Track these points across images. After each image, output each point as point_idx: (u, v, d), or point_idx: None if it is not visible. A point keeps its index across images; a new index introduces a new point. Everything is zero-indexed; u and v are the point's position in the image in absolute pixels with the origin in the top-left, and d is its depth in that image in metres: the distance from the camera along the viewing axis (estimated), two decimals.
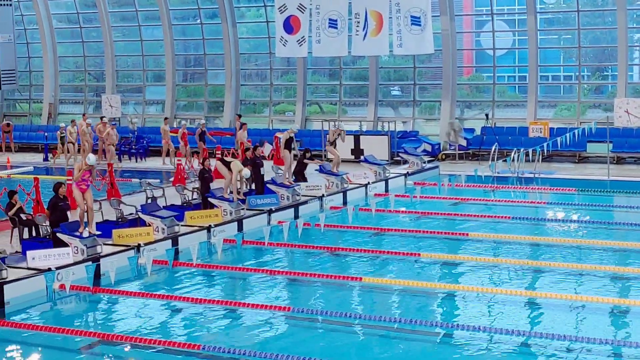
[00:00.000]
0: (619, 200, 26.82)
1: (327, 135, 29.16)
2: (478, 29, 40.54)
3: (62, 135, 34.77)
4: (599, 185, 28.12)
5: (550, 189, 28.07)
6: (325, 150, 30.59)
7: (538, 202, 26.59)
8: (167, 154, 33.65)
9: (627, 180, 28.79)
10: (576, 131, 30.19)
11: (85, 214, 19.59)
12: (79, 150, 34.37)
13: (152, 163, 34.73)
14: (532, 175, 29.54)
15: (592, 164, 32.53)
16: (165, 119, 35.54)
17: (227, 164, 23.60)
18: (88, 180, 19.86)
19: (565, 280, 17.67)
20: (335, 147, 28.59)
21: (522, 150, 29.58)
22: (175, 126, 36.74)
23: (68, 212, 19.58)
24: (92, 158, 19.86)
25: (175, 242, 20.13)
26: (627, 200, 26.52)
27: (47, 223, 19.63)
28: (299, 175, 26.89)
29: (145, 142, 36.93)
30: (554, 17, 38.45)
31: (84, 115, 37.95)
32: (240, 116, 35.61)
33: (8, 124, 40.06)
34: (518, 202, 26.66)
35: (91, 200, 19.69)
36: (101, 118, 36.48)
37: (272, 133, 35.96)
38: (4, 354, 14.53)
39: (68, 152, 34.31)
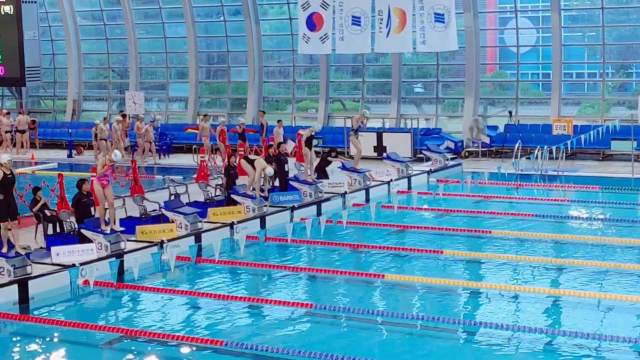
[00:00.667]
0: None
1: (351, 122, 29.02)
2: (502, 26, 40.42)
3: (97, 132, 34.79)
4: (623, 183, 27.98)
5: (573, 186, 27.93)
6: (347, 147, 30.56)
7: (561, 200, 26.47)
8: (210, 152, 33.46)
9: None
10: (600, 129, 30.05)
11: (107, 210, 19.67)
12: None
13: (175, 160, 34.80)
14: (555, 173, 29.40)
15: (616, 162, 32.35)
16: (205, 115, 35.42)
17: (252, 162, 23.65)
18: (109, 176, 19.94)
19: (589, 278, 17.60)
20: (358, 137, 28.34)
21: (545, 147, 29.46)
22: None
23: (92, 208, 19.68)
24: (117, 154, 19.95)
25: (198, 239, 20.18)
26: None
27: (72, 219, 19.75)
28: (321, 172, 26.89)
29: (168, 139, 37.04)
30: (578, 14, 38.25)
31: (121, 112, 37.85)
32: (264, 112, 35.63)
33: (33, 121, 40.26)
34: (541, 199, 26.57)
35: (111, 196, 19.74)
36: (121, 113, 36.56)
37: (295, 130, 35.96)
38: (28, 349, 14.63)
39: (98, 149, 34.30)
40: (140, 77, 43.22)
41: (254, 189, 23.36)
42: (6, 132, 38.37)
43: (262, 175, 23.59)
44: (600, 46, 35.47)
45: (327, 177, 26.82)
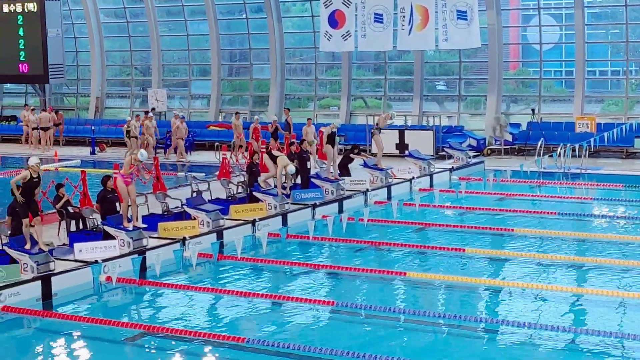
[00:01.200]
0: None
1: (377, 120, 28.98)
2: (525, 24, 40.22)
3: (129, 129, 34.88)
4: None
5: (596, 184, 27.81)
6: (369, 145, 30.55)
7: (584, 198, 26.36)
8: (238, 149, 33.43)
9: None
10: (624, 126, 29.93)
11: (130, 207, 19.77)
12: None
13: (198, 157, 34.86)
14: (578, 171, 29.27)
15: (639, 160, 32.16)
16: (237, 113, 35.30)
17: (274, 158, 23.69)
18: (133, 174, 20.03)
19: (612, 277, 17.53)
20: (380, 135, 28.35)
21: (568, 145, 29.35)
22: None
23: (117, 205, 19.76)
24: (144, 154, 20.05)
25: (220, 236, 20.23)
26: None
27: (94, 216, 19.85)
28: (344, 169, 26.90)
29: (191, 136, 37.12)
30: (601, 11, 38.04)
31: (152, 109, 37.87)
32: (289, 110, 35.65)
33: (57, 111, 40.57)
34: (564, 197, 26.47)
35: (134, 193, 19.84)
36: (146, 112, 36.68)
37: (317, 127, 35.95)
38: (52, 345, 14.71)
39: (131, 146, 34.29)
40: (162, 75, 43.35)
41: (275, 185, 23.40)
42: (33, 129, 38.47)
43: (284, 173, 23.62)
44: (624, 43, 35.28)
45: (349, 174, 26.82)
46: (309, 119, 33.17)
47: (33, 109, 39.71)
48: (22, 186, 17.52)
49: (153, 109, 38.80)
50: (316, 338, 14.38)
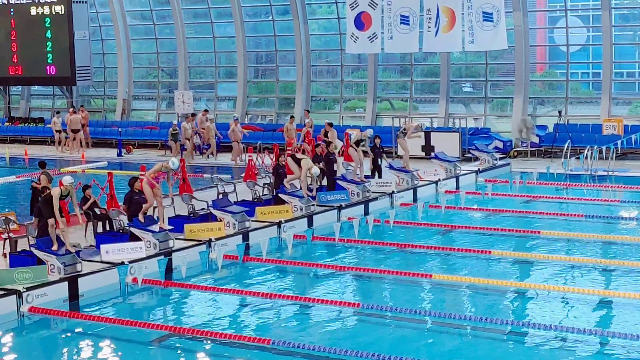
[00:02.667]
0: None
1: (405, 127, 28.92)
2: (551, 25, 40.05)
3: (175, 132, 34.92)
4: None
5: (624, 187, 27.66)
6: (395, 147, 30.50)
7: (612, 201, 26.20)
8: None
9: None
10: None
11: (156, 209, 19.86)
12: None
13: (224, 159, 34.91)
14: (605, 173, 29.10)
15: None
16: (292, 117, 35.11)
17: (298, 161, 23.72)
18: (160, 178, 20.12)
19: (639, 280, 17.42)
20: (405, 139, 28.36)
21: (595, 147, 29.19)
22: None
23: (144, 206, 19.84)
24: (175, 163, 20.12)
25: (245, 238, 20.26)
26: None
27: (120, 217, 19.93)
28: (376, 168, 26.89)
29: (217, 138, 37.17)
30: (629, 12, 37.80)
31: (205, 111, 37.90)
32: (308, 112, 35.63)
33: (82, 107, 40.85)
34: (591, 200, 26.31)
35: (160, 195, 19.93)
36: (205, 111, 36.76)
37: (343, 129, 35.96)
38: (78, 346, 14.79)
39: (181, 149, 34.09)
40: (189, 77, 43.49)
41: (300, 188, 23.44)
42: (57, 131, 38.56)
43: (309, 175, 23.63)
44: None
45: (380, 174, 26.79)
46: (327, 122, 33.00)
47: (58, 112, 39.78)
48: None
49: (206, 110, 38.35)
50: (342, 340, 14.37)
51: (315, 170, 23.62)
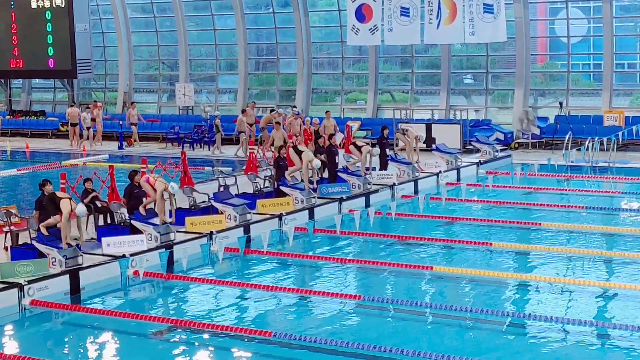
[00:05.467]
0: None
1: (407, 132, 28.92)
2: (552, 17, 40.00)
3: (217, 124, 34.88)
4: None
5: (625, 178, 27.66)
6: (395, 139, 30.48)
7: (613, 192, 26.20)
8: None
9: None
10: None
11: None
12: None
13: (225, 151, 34.88)
14: (606, 165, 29.11)
15: None
16: (327, 112, 33.57)
17: (299, 153, 23.74)
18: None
19: None
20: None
21: (596, 139, 29.19)
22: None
23: (144, 199, 19.83)
24: (175, 187, 19.97)
25: (247, 230, 20.27)
26: None
27: (122, 210, 19.93)
28: (383, 159, 26.90)
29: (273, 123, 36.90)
30: (630, 3, 37.71)
31: (252, 102, 37.51)
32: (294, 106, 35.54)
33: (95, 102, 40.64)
34: (592, 191, 26.31)
35: (161, 188, 19.92)
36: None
37: (344, 122, 35.98)
38: (80, 339, 14.81)
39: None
40: (190, 69, 43.47)
41: (301, 180, 23.45)
42: (87, 128, 37.93)
43: (310, 167, 23.64)
44: None
45: (386, 166, 26.77)
46: (327, 112, 33.00)
47: (88, 107, 39.47)
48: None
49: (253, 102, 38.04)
50: (343, 332, 14.39)
51: (316, 162, 23.63)
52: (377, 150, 25.24)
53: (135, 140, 37.86)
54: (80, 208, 17.58)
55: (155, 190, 19.55)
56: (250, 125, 34.18)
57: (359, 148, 25.48)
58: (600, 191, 26.42)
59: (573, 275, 17.48)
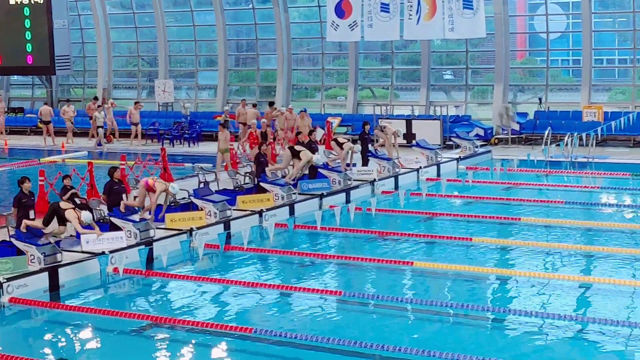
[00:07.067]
0: None
1: (385, 128, 28.90)
2: (531, 12, 40.11)
3: (226, 119, 34.64)
4: None
5: (604, 173, 27.77)
6: (374, 135, 30.51)
7: (592, 187, 26.32)
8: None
9: None
10: (631, 115, 29.87)
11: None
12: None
13: (205, 148, 34.81)
14: (585, 160, 29.23)
15: None
16: (301, 111, 33.51)
17: (297, 153, 23.77)
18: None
19: (620, 265, 17.50)
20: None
21: (575, 134, 29.30)
22: None
23: (123, 196, 19.76)
24: (175, 188, 20.13)
25: (227, 226, 20.23)
26: None
27: (101, 207, 19.85)
28: (364, 155, 26.90)
29: (197, 127, 37.13)
30: None
31: (243, 100, 37.18)
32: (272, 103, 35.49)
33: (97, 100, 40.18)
34: (571, 186, 26.44)
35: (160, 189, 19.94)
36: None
37: (324, 118, 35.96)
38: (59, 336, 14.74)
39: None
40: (169, 65, 43.36)
41: (282, 176, 23.44)
42: (98, 127, 37.18)
43: (309, 164, 23.74)
44: (631, 32, 35.16)
45: (367, 162, 26.76)
46: (301, 111, 32.89)
47: (99, 106, 39.07)
48: None
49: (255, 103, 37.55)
50: (324, 328, 14.38)
51: (317, 158, 23.77)
52: (358, 147, 25.38)
53: (113, 137, 37.71)
54: (86, 214, 17.61)
55: (154, 191, 19.55)
56: (244, 124, 34.04)
57: (340, 144, 25.53)
58: (579, 186, 26.54)
59: (553, 269, 17.54)
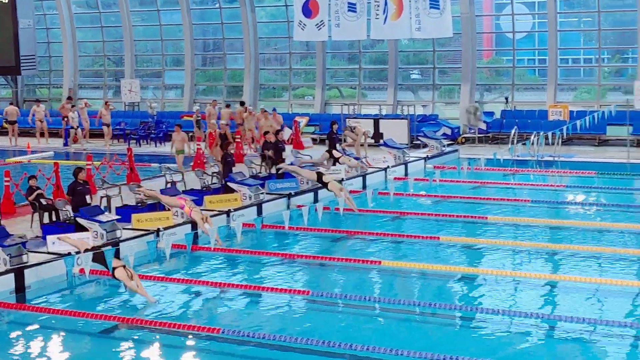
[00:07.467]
0: (639, 183, 26.74)
1: (356, 129, 28.95)
2: (497, 12, 40.33)
3: (198, 118, 34.43)
4: (619, 168, 28.03)
5: (569, 172, 27.98)
6: (343, 135, 30.56)
7: (558, 185, 26.48)
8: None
9: None
10: (596, 114, 30.06)
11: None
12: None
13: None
14: (551, 159, 29.43)
15: (611, 147, 32.37)
16: (263, 110, 33.21)
17: (325, 184, 23.15)
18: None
19: (585, 263, 17.62)
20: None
21: (541, 133, 29.47)
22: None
23: (87, 196, 19.61)
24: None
25: (194, 227, 20.15)
26: None
27: (68, 207, 19.72)
28: (332, 155, 26.87)
29: (164, 126, 36.99)
30: None
31: (214, 101, 36.90)
32: (243, 103, 35.43)
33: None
34: (537, 185, 26.58)
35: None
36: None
37: (292, 117, 35.95)
38: (26, 338, 14.61)
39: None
40: (135, 65, 43.16)
41: (249, 177, 23.39)
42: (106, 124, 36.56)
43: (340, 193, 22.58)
44: (596, 31, 35.44)
45: (335, 162, 26.74)
46: (262, 108, 32.84)
47: (73, 106, 38.55)
48: None
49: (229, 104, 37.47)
50: (292, 328, 14.35)
51: (343, 190, 22.73)
52: (370, 131, 24.98)
53: (82, 137, 37.44)
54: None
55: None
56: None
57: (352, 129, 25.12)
58: (545, 185, 26.70)
59: (520, 267, 17.63)
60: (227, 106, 35.31)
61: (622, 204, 23.36)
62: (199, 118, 34.47)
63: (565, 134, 30.15)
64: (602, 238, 19.73)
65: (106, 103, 37.37)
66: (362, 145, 28.00)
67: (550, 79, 35.46)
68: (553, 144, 29.48)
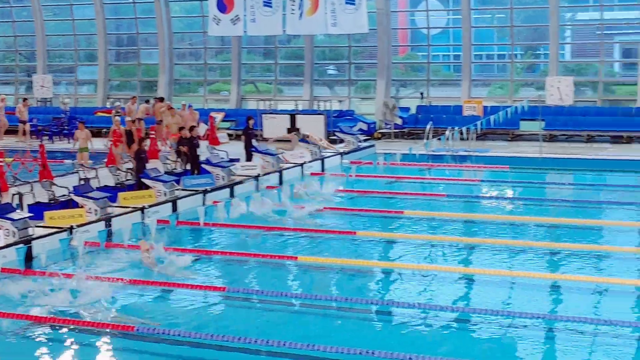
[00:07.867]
0: (551, 177, 27.21)
1: (310, 139, 29.08)
2: (412, 8, 40.63)
3: (118, 112, 33.64)
4: (532, 163, 28.46)
5: (484, 166, 28.30)
6: (261, 130, 30.51)
7: (472, 180, 26.78)
8: None
9: (559, 157, 29.14)
10: (509, 109, 30.50)
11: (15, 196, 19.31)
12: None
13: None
14: (466, 153, 29.75)
15: (524, 142, 32.85)
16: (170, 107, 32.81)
17: None
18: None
19: (499, 257, 17.83)
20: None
21: (456, 128, 29.77)
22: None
23: None
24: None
25: (108, 224, 19.88)
26: (559, 177, 26.94)
27: None
28: (248, 150, 26.77)
29: (77, 122, 36.35)
30: None
31: (134, 97, 36.07)
32: (162, 99, 35.07)
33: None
34: (453, 179, 26.85)
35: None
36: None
37: (207, 112, 35.70)
38: None
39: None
40: (47, 60, 42.44)
41: (164, 173, 23.15)
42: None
43: None
44: (509, 28, 35.93)
45: (251, 157, 26.66)
46: (183, 104, 32.67)
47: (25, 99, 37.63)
48: None
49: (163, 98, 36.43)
50: (208, 324, 14.25)
51: None
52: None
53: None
54: None
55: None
56: (140, 120, 33.38)
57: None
58: (460, 179, 26.97)
59: (436, 261, 17.76)
60: (147, 102, 34.91)
61: (535, 198, 23.72)
62: (119, 113, 33.97)
63: (479, 129, 30.52)
64: (515, 231, 20.00)
65: (24, 100, 36.67)
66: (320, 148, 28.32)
67: (465, 74, 35.85)
68: (468, 138, 29.81)
